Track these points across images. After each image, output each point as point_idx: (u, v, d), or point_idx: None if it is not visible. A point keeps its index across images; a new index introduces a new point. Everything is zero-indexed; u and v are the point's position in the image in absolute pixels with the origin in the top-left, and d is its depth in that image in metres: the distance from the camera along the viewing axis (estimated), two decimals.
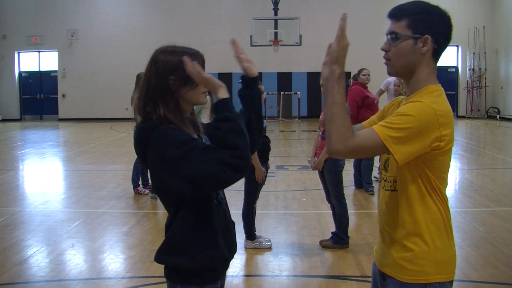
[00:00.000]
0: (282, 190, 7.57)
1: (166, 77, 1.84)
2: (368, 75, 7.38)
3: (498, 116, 19.94)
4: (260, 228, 5.43)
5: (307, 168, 8.56)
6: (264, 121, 5.73)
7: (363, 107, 7.12)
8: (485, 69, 20.66)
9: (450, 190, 1.77)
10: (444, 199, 1.82)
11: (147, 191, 7.34)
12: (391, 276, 1.86)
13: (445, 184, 1.83)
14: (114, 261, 4.71)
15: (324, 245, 4.95)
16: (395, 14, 1.82)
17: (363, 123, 2.15)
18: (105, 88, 21.14)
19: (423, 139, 1.68)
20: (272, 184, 7.70)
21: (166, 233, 1.94)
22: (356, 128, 2.16)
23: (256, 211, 5.05)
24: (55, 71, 21.88)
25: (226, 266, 2.02)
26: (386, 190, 1.90)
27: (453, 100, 20.70)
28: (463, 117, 20.60)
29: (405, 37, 1.78)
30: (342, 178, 4.97)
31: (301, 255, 4.77)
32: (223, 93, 1.78)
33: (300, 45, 17.65)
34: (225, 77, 20.32)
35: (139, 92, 1.92)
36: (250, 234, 4.96)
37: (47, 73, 22.16)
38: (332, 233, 4.99)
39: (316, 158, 4.98)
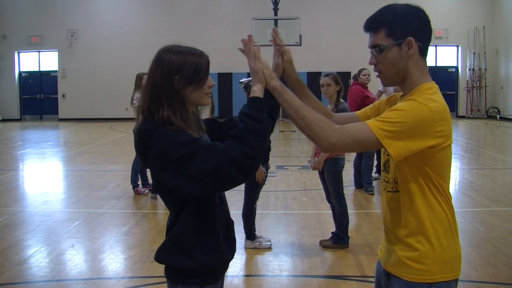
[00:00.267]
0: (282, 190, 7.57)
1: (171, 77, 1.83)
2: (369, 75, 7.38)
3: (498, 116, 19.94)
4: (260, 228, 5.43)
5: (307, 168, 8.57)
6: None
7: (363, 107, 7.07)
8: (485, 69, 20.66)
9: (450, 190, 1.78)
10: (447, 197, 1.81)
11: (146, 191, 7.35)
12: (396, 275, 1.85)
13: (447, 182, 1.83)
14: (114, 261, 4.71)
15: (324, 245, 4.95)
16: (371, 26, 1.81)
17: (356, 112, 2.14)
18: (105, 88, 21.14)
19: (418, 135, 1.68)
20: (272, 184, 7.71)
21: (167, 232, 1.93)
22: (348, 116, 2.16)
23: (256, 211, 5.05)
24: (55, 71, 21.88)
25: (226, 266, 2.02)
26: (388, 191, 1.90)
27: (453, 100, 20.70)
28: (463, 117, 20.60)
29: (389, 46, 1.77)
30: (342, 178, 4.97)
31: (301, 255, 4.78)
32: (259, 92, 1.81)
33: (300, 45, 17.63)
34: (225, 77, 20.38)
35: (144, 91, 1.90)
36: (250, 234, 4.96)
37: (47, 73, 22.16)
38: (332, 233, 4.99)
39: (316, 158, 4.98)
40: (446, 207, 1.81)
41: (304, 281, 4.26)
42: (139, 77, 7.02)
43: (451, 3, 20.61)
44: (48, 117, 22.12)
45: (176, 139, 1.74)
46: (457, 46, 21.23)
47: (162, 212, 6.44)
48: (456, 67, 21.48)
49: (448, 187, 1.83)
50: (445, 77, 20.42)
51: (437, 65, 20.99)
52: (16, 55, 21.93)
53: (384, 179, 1.94)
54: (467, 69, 20.99)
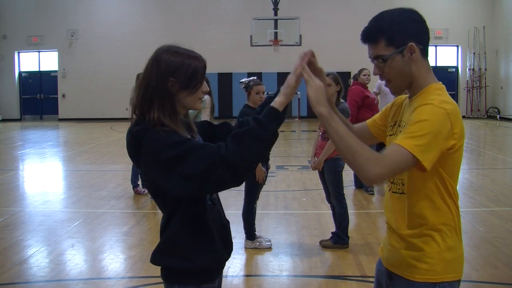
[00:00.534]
0: (282, 190, 7.57)
1: (166, 78, 1.80)
2: (369, 75, 7.38)
3: (498, 116, 19.95)
4: (260, 228, 5.43)
5: (307, 168, 8.56)
6: None
7: (363, 107, 7.12)
8: (485, 69, 20.67)
9: None
10: (455, 197, 1.81)
11: (146, 191, 7.35)
12: (399, 274, 1.85)
13: (457, 182, 1.82)
14: (114, 261, 4.71)
15: (324, 245, 4.95)
16: (370, 38, 1.80)
17: (366, 122, 2.14)
18: (105, 88, 21.15)
19: (442, 140, 1.67)
20: (272, 184, 7.71)
21: (161, 234, 1.92)
22: (359, 127, 2.16)
23: (256, 211, 5.05)
24: (55, 71, 21.89)
25: (223, 265, 2.02)
26: (393, 192, 1.89)
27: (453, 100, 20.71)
28: (463, 117, 20.27)
29: (392, 55, 1.76)
30: (342, 178, 4.97)
31: (301, 255, 4.77)
32: (279, 105, 1.75)
33: (300, 45, 17.64)
34: (225, 77, 20.38)
35: (137, 90, 1.87)
36: (250, 234, 4.96)
37: (47, 73, 22.16)
38: (332, 233, 4.99)
39: (316, 158, 4.98)
40: (453, 207, 1.80)
41: (304, 281, 4.26)
42: (139, 77, 7.02)
43: (451, 3, 20.62)
44: (48, 117, 22.13)
45: (167, 139, 1.73)
46: (457, 46, 21.24)
47: None
48: (456, 67, 21.49)
49: (456, 187, 1.83)
50: (445, 77, 20.42)
51: (437, 65, 20.99)
52: (16, 55, 21.94)
53: (390, 180, 1.92)
54: (467, 69, 21.01)
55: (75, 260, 4.73)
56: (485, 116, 20.63)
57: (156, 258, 1.92)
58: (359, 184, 7.53)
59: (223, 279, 3.66)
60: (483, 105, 20.87)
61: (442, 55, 21.23)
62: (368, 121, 2.13)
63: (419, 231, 1.79)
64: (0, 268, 4.46)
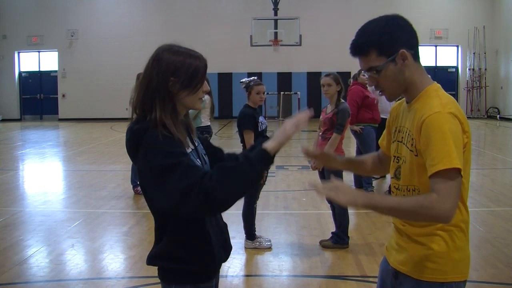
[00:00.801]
0: (282, 190, 7.57)
1: (167, 78, 1.79)
2: None
3: (498, 116, 19.95)
4: (260, 228, 5.43)
5: (307, 168, 8.56)
6: (265, 121, 5.71)
7: (363, 107, 7.12)
8: (485, 69, 20.68)
9: None
10: (465, 198, 1.80)
11: None
12: (407, 274, 1.85)
13: (468, 182, 1.81)
14: (114, 261, 4.71)
15: (324, 245, 4.95)
16: (360, 51, 1.79)
17: (380, 150, 2.13)
18: (105, 88, 21.16)
19: (460, 142, 1.69)
20: (272, 184, 7.71)
21: (156, 237, 1.91)
22: (377, 158, 2.15)
23: (256, 211, 5.05)
24: (55, 71, 21.90)
25: (219, 265, 2.02)
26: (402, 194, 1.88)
27: None
28: None
29: (385, 65, 1.76)
30: (342, 178, 4.97)
31: (301, 255, 4.77)
32: (271, 149, 1.72)
33: (300, 45, 17.64)
34: (225, 77, 20.38)
35: (138, 88, 1.86)
36: (250, 234, 4.96)
37: (47, 73, 22.17)
38: (332, 233, 4.99)
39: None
40: (463, 208, 1.80)
41: (304, 281, 4.26)
42: (139, 77, 7.02)
43: (451, 3, 20.62)
44: (48, 117, 22.14)
45: (162, 147, 1.71)
46: (457, 46, 21.24)
47: None
48: (456, 67, 21.50)
49: (468, 186, 1.83)
50: (445, 77, 20.42)
51: (437, 65, 21.00)
52: (16, 55, 21.94)
53: (394, 186, 1.92)
54: (467, 69, 21.01)
55: (75, 260, 4.73)
56: (485, 116, 20.63)
57: (152, 260, 1.92)
58: (359, 184, 7.53)
59: (223, 279, 3.65)
60: (483, 105, 20.87)
61: (442, 55, 21.23)
62: (382, 147, 2.11)
63: (429, 230, 1.79)
64: (0, 268, 4.46)
